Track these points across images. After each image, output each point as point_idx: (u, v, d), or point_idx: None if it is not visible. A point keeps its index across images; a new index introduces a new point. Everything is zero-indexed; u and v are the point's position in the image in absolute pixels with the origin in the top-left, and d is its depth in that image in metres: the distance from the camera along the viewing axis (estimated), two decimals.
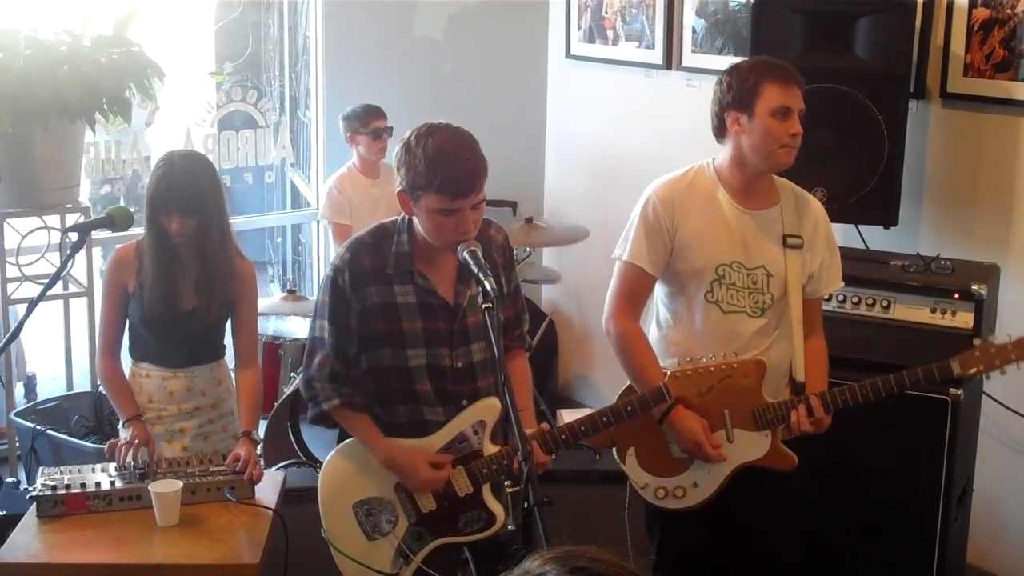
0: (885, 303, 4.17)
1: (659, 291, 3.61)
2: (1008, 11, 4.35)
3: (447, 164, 2.92)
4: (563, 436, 3.21)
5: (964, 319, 4.05)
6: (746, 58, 3.59)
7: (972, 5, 4.46)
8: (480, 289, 2.90)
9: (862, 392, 3.46)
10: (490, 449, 3.16)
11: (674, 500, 3.55)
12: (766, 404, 3.48)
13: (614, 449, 3.61)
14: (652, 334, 3.65)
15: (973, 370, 3.45)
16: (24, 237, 4.87)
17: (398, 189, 3.05)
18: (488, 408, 3.15)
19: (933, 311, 4.10)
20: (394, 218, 3.20)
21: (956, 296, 4.07)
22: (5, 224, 4.88)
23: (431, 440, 3.16)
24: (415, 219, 3.09)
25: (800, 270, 3.51)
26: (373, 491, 3.21)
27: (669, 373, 3.26)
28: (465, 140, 2.99)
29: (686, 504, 3.54)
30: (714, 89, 3.50)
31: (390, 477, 3.19)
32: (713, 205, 3.48)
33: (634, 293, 3.56)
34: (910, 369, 3.46)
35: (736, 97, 3.41)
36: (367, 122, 5.55)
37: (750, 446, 3.51)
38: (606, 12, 6.05)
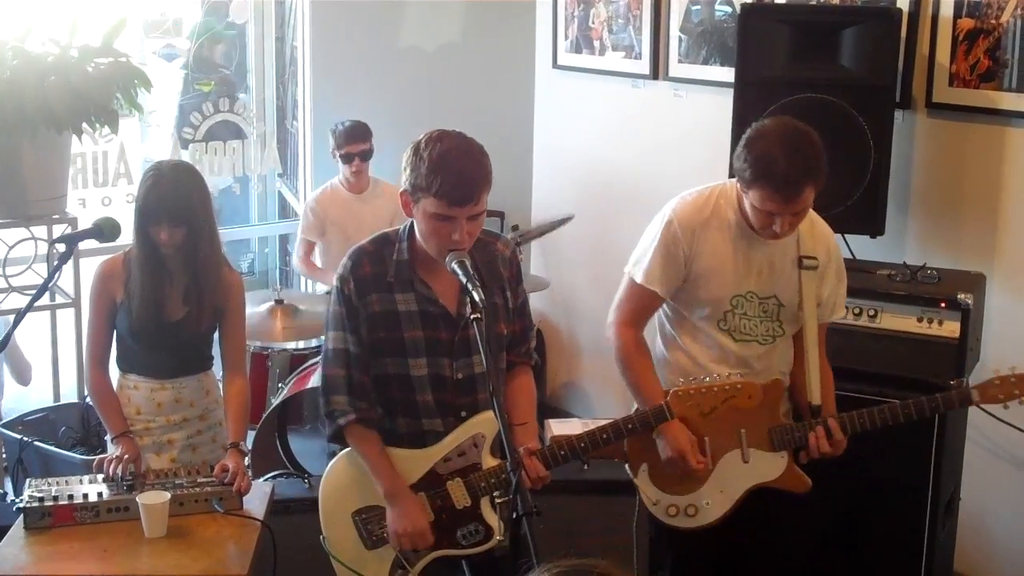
0: (872, 312, 4.18)
1: (670, 313, 3.61)
2: (993, 21, 4.38)
3: (449, 170, 2.92)
4: (562, 452, 3.21)
5: (951, 328, 4.07)
6: (773, 128, 3.32)
7: (957, 15, 4.48)
8: (469, 300, 2.90)
9: (880, 416, 3.48)
10: (489, 463, 3.15)
11: (685, 518, 3.54)
12: (783, 425, 3.49)
13: (627, 465, 3.61)
14: (658, 352, 3.64)
15: (994, 400, 3.45)
16: (11, 248, 4.85)
17: (401, 189, 3.06)
18: (487, 422, 3.14)
19: (920, 320, 4.12)
20: (396, 227, 3.20)
21: (943, 305, 4.09)
22: None
23: (431, 451, 3.16)
24: (415, 225, 3.09)
25: (815, 291, 3.50)
26: (372, 500, 3.21)
27: (671, 391, 3.23)
28: (473, 150, 2.99)
29: (697, 523, 3.53)
30: (744, 135, 3.38)
31: None
32: (731, 234, 3.45)
33: (642, 311, 3.58)
34: (930, 396, 3.49)
35: (740, 171, 3.32)
36: (340, 145, 5.62)
37: (765, 467, 3.51)
38: (593, 22, 6.06)
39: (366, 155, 5.63)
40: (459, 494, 3.15)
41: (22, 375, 5.67)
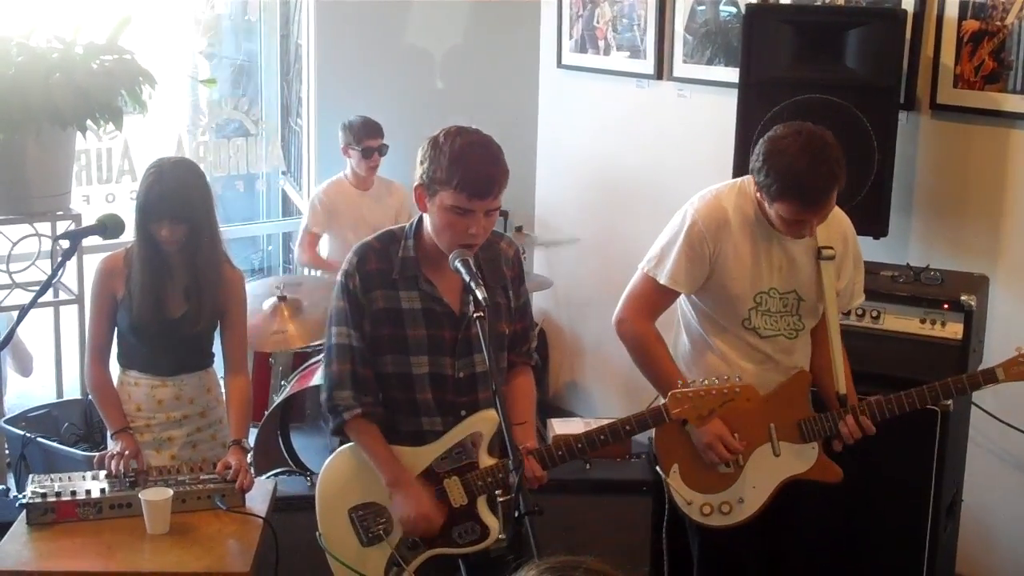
0: (875, 313, 4.18)
1: (696, 314, 3.60)
2: (998, 23, 4.37)
3: (470, 163, 2.93)
4: (559, 452, 3.19)
5: (954, 330, 4.07)
6: (792, 139, 3.27)
7: (962, 17, 4.48)
8: (472, 298, 2.91)
9: (908, 400, 3.51)
10: (486, 461, 3.15)
11: (720, 516, 3.54)
12: (812, 416, 3.51)
13: (657, 467, 3.61)
14: (686, 352, 3.65)
15: (1019, 377, 3.45)
16: (15, 244, 4.86)
17: (416, 183, 3.05)
18: (485, 420, 3.14)
19: (923, 322, 4.12)
20: (402, 224, 3.21)
21: (946, 307, 4.08)
22: None
23: (429, 449, 3.16)
24: (425, 222, 3.09)
25: (834, 281, 3.51)
26: (369, 497, 3.21)
27: (669, 393, 3.20)
28: (491, 145, 3.01)
29: (732, 520, 3.54)
30: (757, 148, 3.35)
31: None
32: (751, 231, 3.45)
33: (659, 306, 3.58)
34: (955, 376, 3.51)
35: (764, 185, 3.31)
36: (360, 139, 5.62)
37: (796, 459, 3.53)
38: (598, 22, 6.06)
39: (384, 150, 5.66)
40: (456, 492, 3.15)
41: (24, 366, 5.68)
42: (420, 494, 3.13)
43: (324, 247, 5.86)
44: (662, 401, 3.25)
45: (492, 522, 3.16)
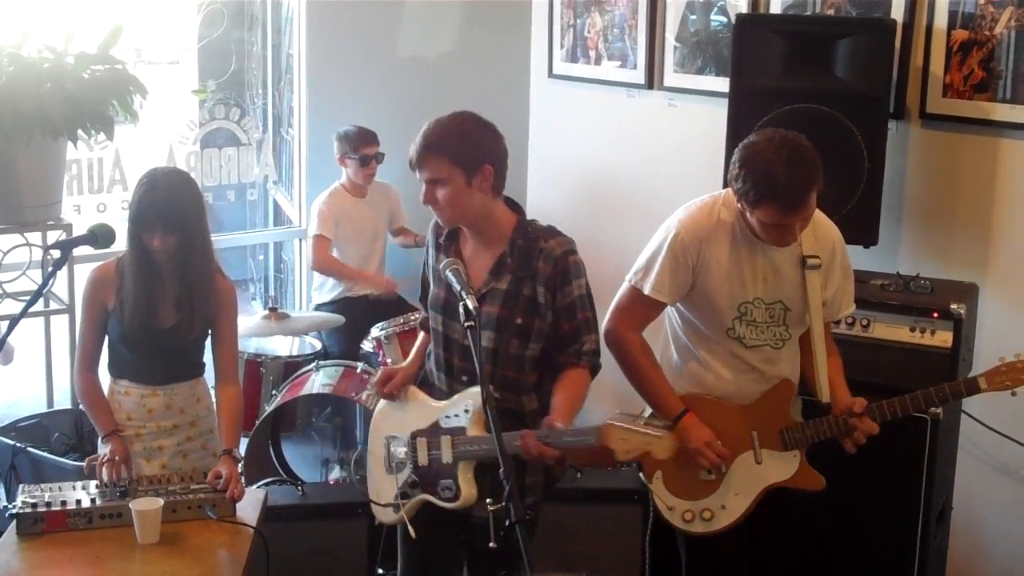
0: (865, 322, 4.19)
1: (682, 324, 3.63)
2: (987, 32, 4.39)
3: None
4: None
5: (943, 338, 4.08)
6: (765, 144, 3.31)
7: (951, 26, 4.50)
8: (463, 307, 3.01)
9: (890, 409, 3.54)
10: (472, 431, 3.28)
11: (701, 523, 3.56)
12: (794, 424, 3.52)
13: (640, 473, 3.62)
14: (673, 362, 3.67)
15: (1001, 387, 3.47)
16: (5, 254, 4.86)
17: None
18: (477, 394, 3.20)
19: (912, 330, 4.13)
20: None
21: (935, 315, 4.10)
22: None
23: (439, 405, 3.37)
24: None
25: (820, 290, 3.52)
26: (402, 430, 3.43)
27: (606, 422, 3.08)
28: (432, 124, 3.26)
29: (713, 527, 3.56)
30: (734, 157, 3.38)
31: (412, 423, 3.41)
32: (735, 242, 3.47)
33: (646, 318, 3.61)
34: (937, 386, 3.53)
35: (742, 192, 3.32)
36: (356, 147, 5.66)
37: (778, 467, 3.54)
38: (588, 32, 6.07)
39: (380, 158, 5.71)
40: (447, 450, 3.30)
41: (5, 356, 5.66)
42: (384, 374, 3.57)
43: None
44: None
45: (466, 488, 3.28)
